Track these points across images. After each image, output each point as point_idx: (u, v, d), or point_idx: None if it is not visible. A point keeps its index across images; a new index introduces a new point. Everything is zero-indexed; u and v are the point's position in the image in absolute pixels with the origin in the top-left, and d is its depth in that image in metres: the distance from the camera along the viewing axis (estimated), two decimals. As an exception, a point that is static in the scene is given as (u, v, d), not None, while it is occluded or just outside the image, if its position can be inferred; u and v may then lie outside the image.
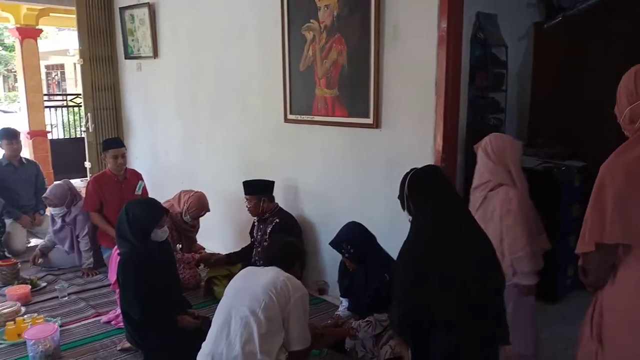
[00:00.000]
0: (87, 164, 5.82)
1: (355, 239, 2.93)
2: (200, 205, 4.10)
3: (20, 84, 7.76)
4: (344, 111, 3.58)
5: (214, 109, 4.78)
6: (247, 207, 3.85)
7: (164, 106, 5.40)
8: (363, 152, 3.52)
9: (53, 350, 2.97)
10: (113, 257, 3.53)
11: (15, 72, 23.08)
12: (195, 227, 4.34)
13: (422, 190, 2.18)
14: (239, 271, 3.97)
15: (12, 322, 3.28)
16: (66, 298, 3.87)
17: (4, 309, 3.48)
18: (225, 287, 3.86)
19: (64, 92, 17.42)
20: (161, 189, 5.03)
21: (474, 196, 2.65)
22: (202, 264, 4.18)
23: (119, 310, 3.49)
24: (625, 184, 1.55)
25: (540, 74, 4.32)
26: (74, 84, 21.98)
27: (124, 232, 2.97)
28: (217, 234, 4.75)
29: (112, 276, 3.52)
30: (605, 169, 1.60)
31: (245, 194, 3.84)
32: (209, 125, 4.86)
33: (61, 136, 8.67)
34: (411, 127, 3.23)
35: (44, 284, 4.11)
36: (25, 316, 3.39)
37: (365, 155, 3.51)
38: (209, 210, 4.19)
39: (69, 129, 8.87)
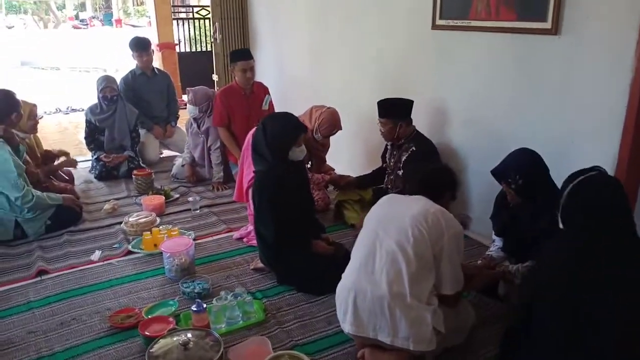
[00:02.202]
0: (215, 77, 5.70)
1: (527, 169, 2.43)
2: (332, 122, 3.77)
3: (150, -5, 7.77)
4: (511, 13, 2.95)
5: (346, 16, 4.30)
6: (380, 130, 3.41)
7: (292, 14, 5.02)
8: (533, 64, 2.90)
9: (188, 265, 2.91)
10: (238, 175, 3.38)
11: (143, -13, 23.99)
12: (325, 146, 4.05)
13: (584, 206, 1.78)
14: (370, 197, 3.73)
15: (149, 232, 3.29)
16: (198, 211, 3.84)
17: (141, 218, 3.50)
18: (357, 211, 3.64)
19: (188, 4, 17.60)
20: (287, 103, 4.76)
21: None
22: (332, 186, 3.93)
23: (250, 227, 3.38)
24: None
25: None
26: (196, -1, 22.32)
27: (260, 150, 2.73)
28: (345, 154, 4.45)
29: (239, 194, 3.40)
30: None
31: (380, 116, 3.35)
32: (340, 35, 4.42)
33: (186, 50, 8.70)
34: (604, 32, 2.55)
35: (176, 196, 4.12)
36: (161, 227, 3.38)
37: (535, 69, 2.90)
38: (340, 129, 3.85)
39: (194, 43, 8.88)
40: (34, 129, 3.81)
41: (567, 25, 2.71)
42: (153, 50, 5.06)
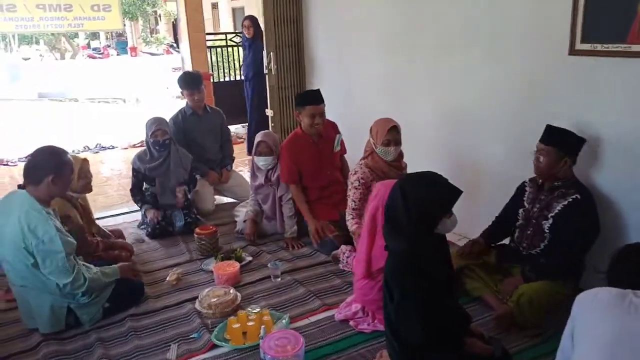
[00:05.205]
0: (269, 112, 5.08)
1: None
2: (384, 122, 3.18)
3: (182, 21, 7.21)
4: (699, 35, 2.33)
5: (444, 36, 3.60)
6: (536, 160, 2.72)
7: (364, 38, 4.36)
8: None
9: (297, 369, 2.26)
10: (366, 243, 2.68)
11: (157, 14, 23.71)
12: (400, 169, 3.38)
13: None
14: (494, 260, 3.05)
15: (234, 317, 2.64)
16: (279, 279, 3.19)
17: (216, 298, 2.82)
18: (481, 279, 2.91)
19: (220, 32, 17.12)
20: (358, 144, 4.11)
21: None
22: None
23: (354, 306, 2.74)
24: None
25: None
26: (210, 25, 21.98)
27: (399, 222, 2.07)
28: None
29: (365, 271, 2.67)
30: None
31: (543, 142, 2.68)
32: (434, 60, 3.72)
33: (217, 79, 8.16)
34: None
35: (249, 258, 3.46)
36: (249, 310, 2.71)
37: None
38: (396, 124, 3.26)
39: (226, 71, 8.35)
40: (86, 188, 3.19)
41: None
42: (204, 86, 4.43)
